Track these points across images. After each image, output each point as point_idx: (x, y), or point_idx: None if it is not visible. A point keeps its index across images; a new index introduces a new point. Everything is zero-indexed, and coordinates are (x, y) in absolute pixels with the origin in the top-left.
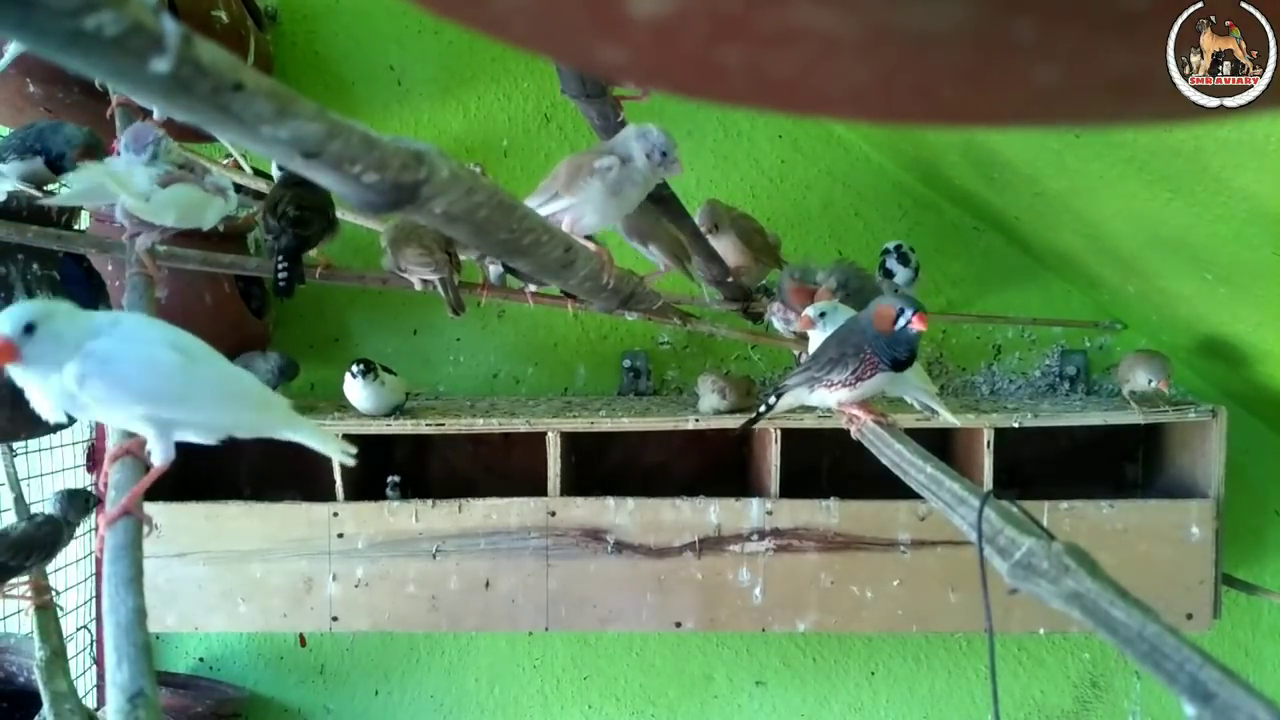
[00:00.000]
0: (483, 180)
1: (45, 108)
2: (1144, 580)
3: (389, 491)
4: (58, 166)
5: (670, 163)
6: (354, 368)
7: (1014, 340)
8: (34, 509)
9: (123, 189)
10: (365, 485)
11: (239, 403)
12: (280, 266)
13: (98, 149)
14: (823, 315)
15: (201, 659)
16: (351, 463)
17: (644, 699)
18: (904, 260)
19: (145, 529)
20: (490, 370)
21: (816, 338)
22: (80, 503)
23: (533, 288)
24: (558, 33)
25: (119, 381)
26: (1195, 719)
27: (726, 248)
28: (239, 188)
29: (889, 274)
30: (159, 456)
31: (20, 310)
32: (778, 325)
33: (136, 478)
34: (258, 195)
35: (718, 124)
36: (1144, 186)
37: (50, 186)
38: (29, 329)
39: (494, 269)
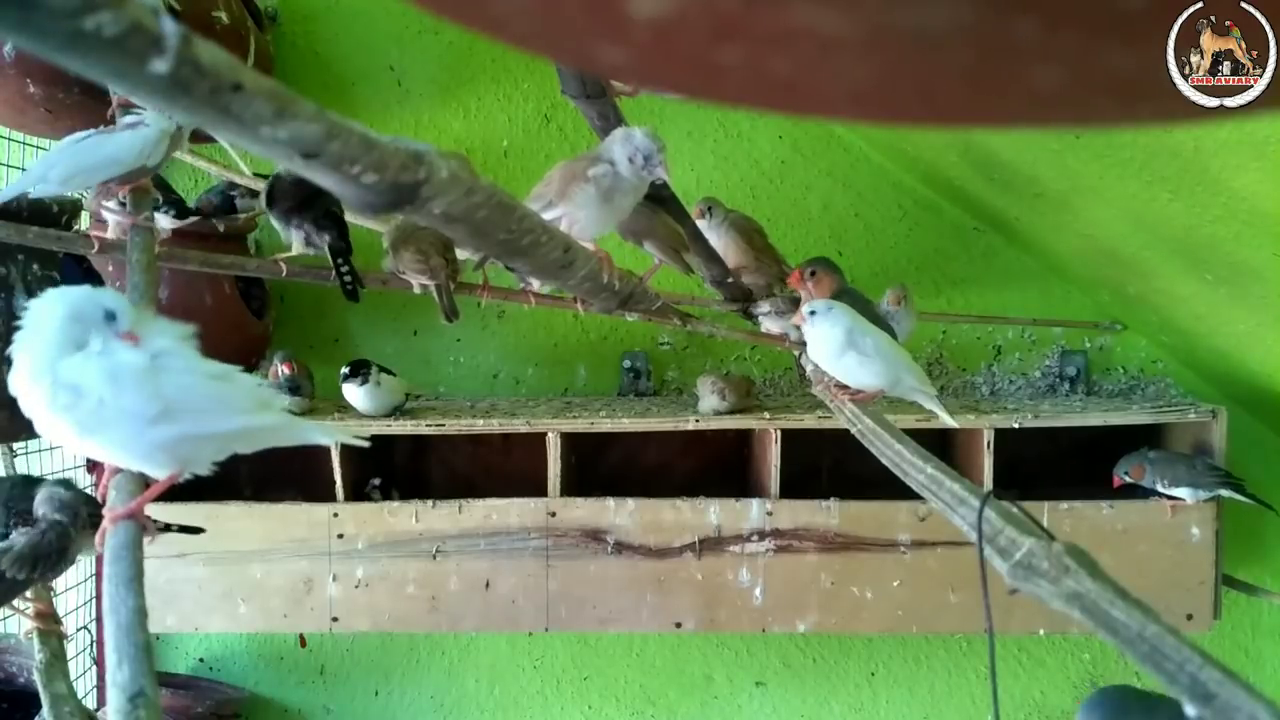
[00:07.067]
0: (481, 181)
1: (45, 108)
2: (1144, 581)
3: (371, 493)
4: None
5: (654, 166)
6: (344, 371)
7: (1014, 341)
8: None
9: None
10: (365, 486)
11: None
12: (344, 271)
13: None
14: (813, 313)
15: (201, 659)
16: (365, 445)
17: (644, 699)
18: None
19: (147, 538)
20: (490, 371)
21: (809, 334)
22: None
23: (536, 284)
24: (558, 33)
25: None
26: (1195, 719)
27: (727, 247)
28: (236, 186)
29: None
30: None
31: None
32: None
33: (137, 478)
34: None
35: (718, 124)
36: (1144, 187)
37: None
38: None
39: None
